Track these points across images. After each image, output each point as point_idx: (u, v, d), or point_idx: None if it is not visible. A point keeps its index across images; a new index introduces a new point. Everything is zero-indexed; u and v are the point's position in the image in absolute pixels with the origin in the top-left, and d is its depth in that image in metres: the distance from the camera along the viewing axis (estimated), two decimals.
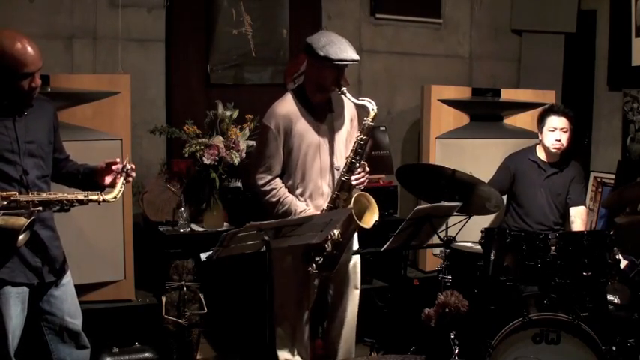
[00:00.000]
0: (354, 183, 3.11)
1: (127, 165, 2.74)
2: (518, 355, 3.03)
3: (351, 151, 3.11)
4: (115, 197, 2.69)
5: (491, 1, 5.17)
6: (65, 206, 2.62)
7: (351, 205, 3.03)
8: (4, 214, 2.49)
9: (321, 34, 3.15)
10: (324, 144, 3.19)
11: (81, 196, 2.64)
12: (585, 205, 4.12)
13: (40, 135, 2.72)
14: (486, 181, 3.54)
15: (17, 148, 2.63)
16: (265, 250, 2.68)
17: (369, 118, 3.07)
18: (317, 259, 3.08)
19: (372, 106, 3.08)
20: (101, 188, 2.75)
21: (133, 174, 2.76)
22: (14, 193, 2.53)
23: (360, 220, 3.04)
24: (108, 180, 2.76)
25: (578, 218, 3.98)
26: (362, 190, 3.19)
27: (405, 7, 4.87)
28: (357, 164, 3.10)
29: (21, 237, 2.50)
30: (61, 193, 2.63)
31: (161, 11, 4.18)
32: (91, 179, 2.79)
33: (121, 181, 2.73)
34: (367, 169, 3.17)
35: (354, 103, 3.16)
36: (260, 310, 3.04)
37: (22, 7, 3.82)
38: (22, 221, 2.48)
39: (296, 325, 3.29)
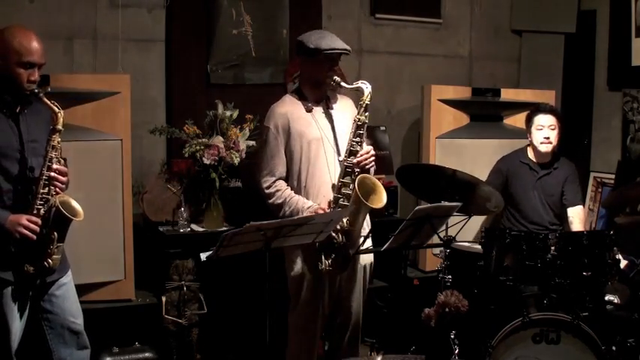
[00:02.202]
0: (357, 160, 3.06)
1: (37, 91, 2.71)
2: (518, 355, 3.03)
3: (350, 133, 3.10)
4: (59, 112, 2.67)
5: (491, 1, 5.17)
6: (61, 158, 2.72)
7: (355, 187, 2.98)
8: (44, 222, 2.64)
9: (311, 32, 3.22)
10: (326, 138, 3.20)
11: (50, 149, 2.66)
12: (583, 204, 4.12)
13: (41, 134, 2.74)
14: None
15: (22, 147, 2.65)
16: (265, 250, 2.69)
17: (365, 97, 3.08)
18: (328, 257, 3.06)
19: (365, 86, 3.11)
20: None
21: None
22: (33, 207, 2.63)
23: (367, 201, 2.99)
24: None
25: (577, 218, 3.98)
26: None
27: (405, 7, 4.87)
28: (358, 146, 3.09)
29: (75, 207, 2.70)
30: (45, 163, 2.66)
31: (161, 11, 4.18)
32: None
33: (47, 101, 2.68)
34: (372, 150, 3.14)
35: (349, 88, 3.17)
36: (260, 310, 3.05)
37: (22, 7, 3.82)
38: (53, 202, 2.65)
39: (310, 336, 3.28)
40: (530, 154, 4.04)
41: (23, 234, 2.58)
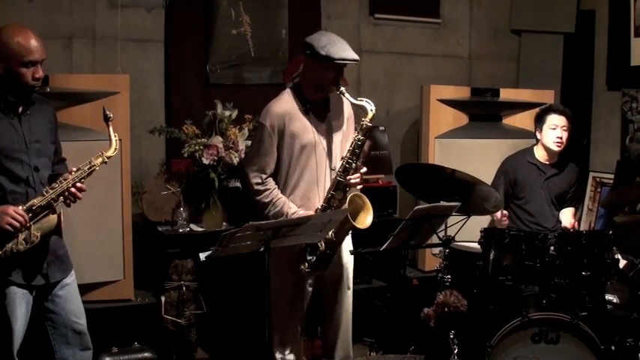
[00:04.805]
0: (351, 182, 3.10)
1: (108, 113, 2.74)
2: (518, 354, 3.03)
3: (348, 151, 3.10)
4: (116, 149, 2.75)
5: (491, 1, 5.17)
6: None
7: (346, 205, 3.02)
8: (34, 223, 2.61)
9: (321, 34, 3.16)
10: (320, 143, 3.19)
11: (87, 167, 2.70)
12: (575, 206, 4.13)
13: (44, 134, 2.75)
14: (486, 181, 3.53)
15: (25, 148, 2.65)
16: (264, 250, 2.69)
17: (367, 119, 3.06)
18: (309, 258, 3.08)
19: (370, 106, 3.07)
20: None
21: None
22: (33, 201, 2.61)
23: (354, 221, 3.04)
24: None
25: (568, 210, 4.00)
26: (358, 190, 3.18)
27: (404, 7, 4.87)
28: (354, 164, 3.09)
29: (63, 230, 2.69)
30: (70, 175, 2.67)
31: (160, 11, 4.18)
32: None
33: (111, 130, 2.73)
34: (363, 169, 3.16)
35: (353, 104, 3.16)
36: (259, 311, 3.05)
37: (22, 7, 3.82)
38: (53, 219, 2.65)
39: (290, 325, 3.29)
40: (538, 153, 4.00)
41: (10, 223, 2.54)
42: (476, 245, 3.46)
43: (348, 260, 3.37)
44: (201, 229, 3.86)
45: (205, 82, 4.25)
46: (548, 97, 4.59)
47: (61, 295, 2.81)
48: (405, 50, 4.93)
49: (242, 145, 3.81)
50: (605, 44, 5.01)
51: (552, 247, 3.22)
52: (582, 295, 3.23)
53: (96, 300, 3.65)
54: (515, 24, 5.23)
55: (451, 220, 3.30)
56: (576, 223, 3.95)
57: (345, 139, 3.26)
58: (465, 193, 3.33)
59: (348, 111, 3.30)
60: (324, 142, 3.20)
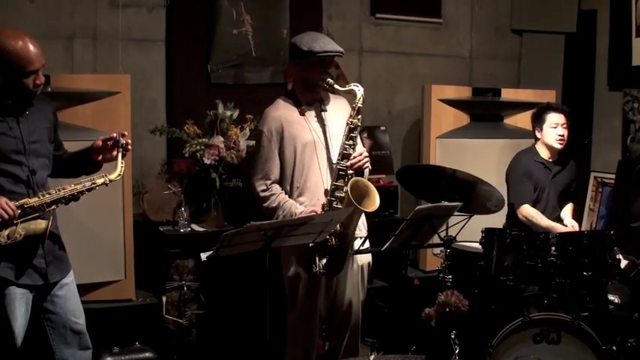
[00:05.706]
0: (350, 163, 3.07)
1: (122, 139, 2.74)
2: (519, 355, 3.03)
3: (343, 136, 3.11)
4: (119, 174, 2.73)
5: (492, 0, 5.17)
6: (75, 198, 2.68)
7: (348, 189, 2.98)
8: (22, 222, 2.57)
9: (305, 34, 3.22)
10: (320, 142, 3.20)
11: (88, 183, 2.68)
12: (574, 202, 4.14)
13: (42, 134, 2.74)
14: (487, 181, 3.52)
15: (23, 149, 2.64)
16: (265, 250, 2.69)
17: (357, 100, 3.09)
18: (322, 259, 3.07)
19: (358, 89, 3.12)
20: (97, 166, 2.79)
21: (129, 147, 2.77)
22: (27, 199, 2.59)
23: (360, 205, 3.00)
24: (106, 156, 2.78)
25: (567, 208, 4.03)
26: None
27: (406, 7, 4.87)
28: (351, 149, 3.09)
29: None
30: (69, 187, 2.66)
31: (161, 11, 4.18)
32: (88, 158, 2.80)
33: (119, 157, 2.73)
34: (365, 152, 3.15)
35: (342, 91, 3.18)
36: (260, 310, 3.05)
37: (22, 7, 3.82)
38: (43, 225, 2.59)
39: (308, 336, 3.29)
40: (542, 152, 4.00)
41: None
42: (477, 245, 3.46)
43: (365, 261, 3.34)
44: (203, 229, 3.85)
45: (206, 81, 4.24)
46: (549, 97, 4.59)
47: (60, 295, 2.81)
48: (406, 50, 4.93)
49: (243, 144, 3.82)
50: (606, 44, 5.01)
51: (553, 248, 3.22)
52: (583, 296, 3.23)
53: (97, 300, 3.65)
54: (516, 24, 5.23)
55: (452, 220, 3.30)
56: (576, 224, 3.96)
57: None
58: (466, 192, 3.33)
59: (346, 112, 3.30)
60: (323, 142, 3.21)
